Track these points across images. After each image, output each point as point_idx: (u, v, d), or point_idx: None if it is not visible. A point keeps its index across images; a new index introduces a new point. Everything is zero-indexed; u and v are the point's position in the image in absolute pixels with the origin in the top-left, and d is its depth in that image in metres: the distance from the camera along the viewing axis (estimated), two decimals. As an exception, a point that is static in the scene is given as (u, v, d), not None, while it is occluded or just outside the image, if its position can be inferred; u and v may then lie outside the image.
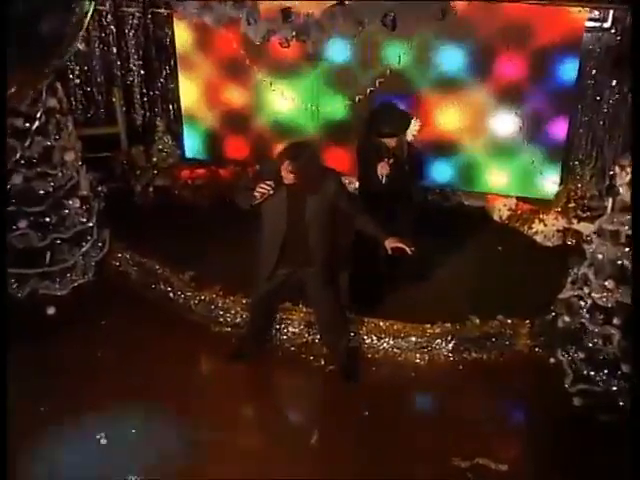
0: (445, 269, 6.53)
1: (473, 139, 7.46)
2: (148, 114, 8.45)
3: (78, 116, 8.23)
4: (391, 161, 5.68)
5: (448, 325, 5.74)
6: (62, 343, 5.48)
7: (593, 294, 4.99)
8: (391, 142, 5.69)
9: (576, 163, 7.38)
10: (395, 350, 5.72)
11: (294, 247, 4.91)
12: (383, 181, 5.71)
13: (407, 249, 4.83)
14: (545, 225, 7.20)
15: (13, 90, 5.17)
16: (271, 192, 4.65)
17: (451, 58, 7.12)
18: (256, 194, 4.67)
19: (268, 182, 4.64)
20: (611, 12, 6.62)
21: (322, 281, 5.08)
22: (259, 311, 5.45)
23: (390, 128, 5.68)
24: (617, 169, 4.89)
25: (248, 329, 5.63)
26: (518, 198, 7.58)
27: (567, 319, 5.25)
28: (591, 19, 6.70)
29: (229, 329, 5.94)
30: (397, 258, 5.03)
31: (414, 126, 5.81)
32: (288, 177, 4.64)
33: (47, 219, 5.97)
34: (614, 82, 6.85)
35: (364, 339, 5.75)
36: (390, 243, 4.86)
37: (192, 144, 8.29)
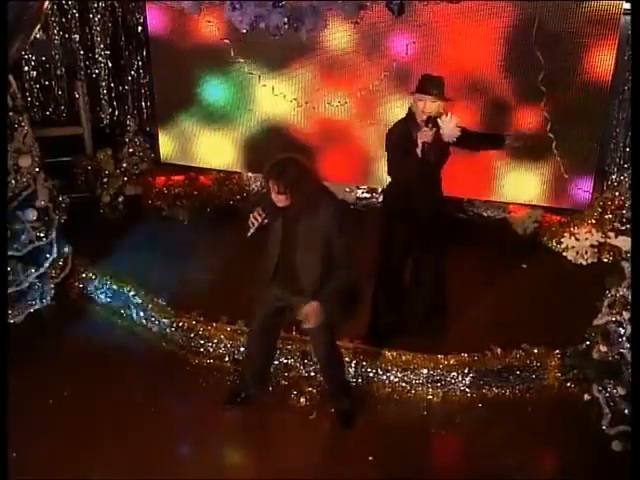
0: (461, 291, 6.51)
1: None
2: (117, 112, 8.47)
3: (35, 114, 8.25)
4: (433, 130, 5.23)
5: (465, 356, 5.73)
6: (14, 381, 5.42)
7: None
8: (431, 106, 5.29)
9: (612, 168, 7.40)
10: (403, 384, 5.70)
11: (286, 273, 4.90)
12: (420, 153, 5.23)
13: (308, 323, 4.76)
14: (577, 239, 7.20)
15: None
16: (265, 221, 4.69)
17: (468, 47, 7.14)
18: (249, 224, 4.70)
19: (260, 211, 4.68)
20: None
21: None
22: (259, 344, 5.33)
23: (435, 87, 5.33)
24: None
25: (246, 367, 5.53)
26: (545, 209, 7.59)
27: (604, 349, 5.22)
28: None
29: (211, 361, 5.90)
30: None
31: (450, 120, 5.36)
32: (278, 199, 4.64)
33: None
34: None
35: (367, 372, 5.72)
36: (303, 310, 4.78)
37: (168, 147, 8.30)
